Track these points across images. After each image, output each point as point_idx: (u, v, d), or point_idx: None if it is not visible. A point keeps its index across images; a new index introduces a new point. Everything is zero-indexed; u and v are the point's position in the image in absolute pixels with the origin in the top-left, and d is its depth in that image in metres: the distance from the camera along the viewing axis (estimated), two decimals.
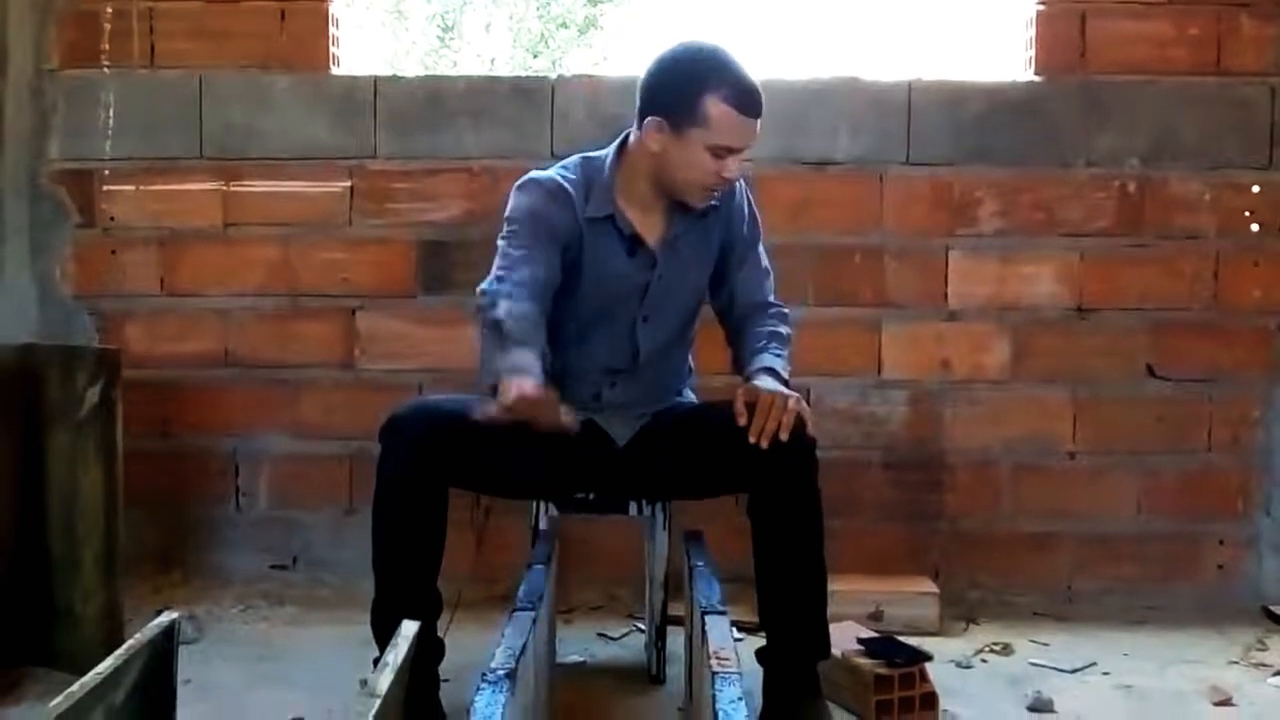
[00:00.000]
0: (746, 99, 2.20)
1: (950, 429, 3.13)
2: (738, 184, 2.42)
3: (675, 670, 2.56)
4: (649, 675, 2.59)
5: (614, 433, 2.41)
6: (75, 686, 1.40)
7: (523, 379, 2.04)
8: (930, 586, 2.96)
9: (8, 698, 2.38)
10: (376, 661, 2.14)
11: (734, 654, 1.58)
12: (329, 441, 3.17)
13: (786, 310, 2.50)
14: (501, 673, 1.45)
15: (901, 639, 2.49)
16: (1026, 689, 2.49)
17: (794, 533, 2.18)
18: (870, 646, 2.43)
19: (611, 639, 2.88)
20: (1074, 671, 2.64)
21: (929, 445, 3.13)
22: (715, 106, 2.19)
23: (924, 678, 2.36)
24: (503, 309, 2.17)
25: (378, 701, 1.34)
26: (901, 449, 3.13)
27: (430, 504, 2.19)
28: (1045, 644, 2.82)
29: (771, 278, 2.51)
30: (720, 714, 1.34)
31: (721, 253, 2.45)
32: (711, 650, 1.58)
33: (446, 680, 2.28)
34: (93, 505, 2.48)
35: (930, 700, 2.36)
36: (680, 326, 2.45)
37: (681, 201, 2.33)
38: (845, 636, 2.45)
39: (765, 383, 2.22)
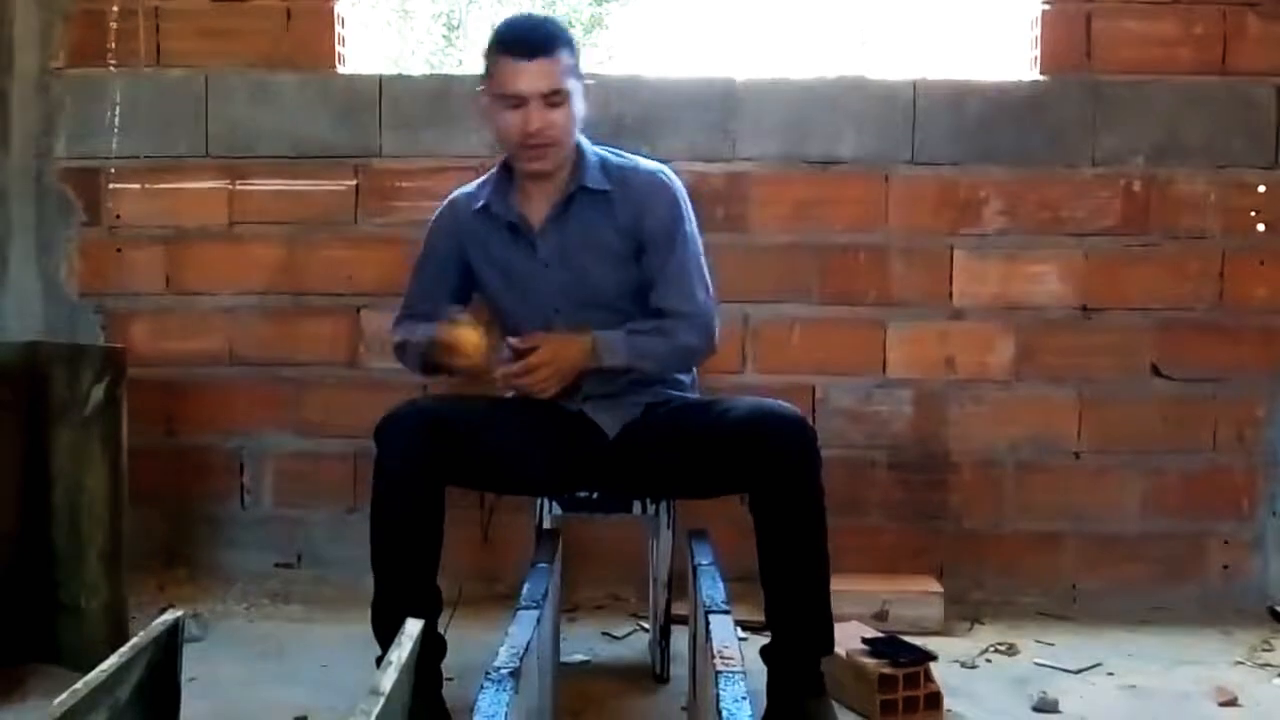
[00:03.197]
0: (513, 43, 2.28)
1: (955, 428, 3.12)
2: (658, 174, 2.42)
3: (679, 670, 2.56)
4: (653, 675, 2.59)
5: (603, 423, 2.40)
6: (79, 684, 1.40)
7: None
8: (935, 586, 2.96)
9: (13, 695, 2.39)
10: (380, 660, 2.15)
11: (738, 652, 1.58)
12: (333, 440, 3.17)
13: (707, 320, 2.38)
14: (505, 671, 1.45)
15: (906, 639, 2.49)
16: (1031, 689, 2.48)
17: (797, 529, 2.18)
18: (875, 646, 2.43)
19: (615, 638, 2.88)
20: (1079, 672, 2.64)
21: (933, 444, 3.12)
22: (493, 57, 2.30)
23: (929, 677, 2.36)
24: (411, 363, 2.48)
25: (381, 700, 1.34)
26: (906, 448, 3.13)
27: (427, 501, 2.20)
28: (1050, 644, 2.81)
29: (702, 285, 2.39)
30: (724, 713, 1.34)
31: (638, 248, 2.38)
32: (715, 649, 1.57)
33: (450, 679, 2.29)
34: (98, 502, 2.49)
35: (935, 700, 2.36)
36: (606, 322, 2.35)
37: (532, 173, 2.36)
38: (850, 636, 2.45)
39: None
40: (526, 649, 1.58)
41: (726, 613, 1.76)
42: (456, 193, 2.55)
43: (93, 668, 1.45)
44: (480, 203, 2.44)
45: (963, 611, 2.99)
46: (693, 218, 2.45)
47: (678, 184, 2.44)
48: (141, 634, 1.60)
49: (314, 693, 2.44)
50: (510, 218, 2.40)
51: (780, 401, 2.27)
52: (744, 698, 1.36)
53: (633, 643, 2.85)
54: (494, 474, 2.35)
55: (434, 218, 2.56)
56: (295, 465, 3.20)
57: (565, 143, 2.33)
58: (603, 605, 3.08)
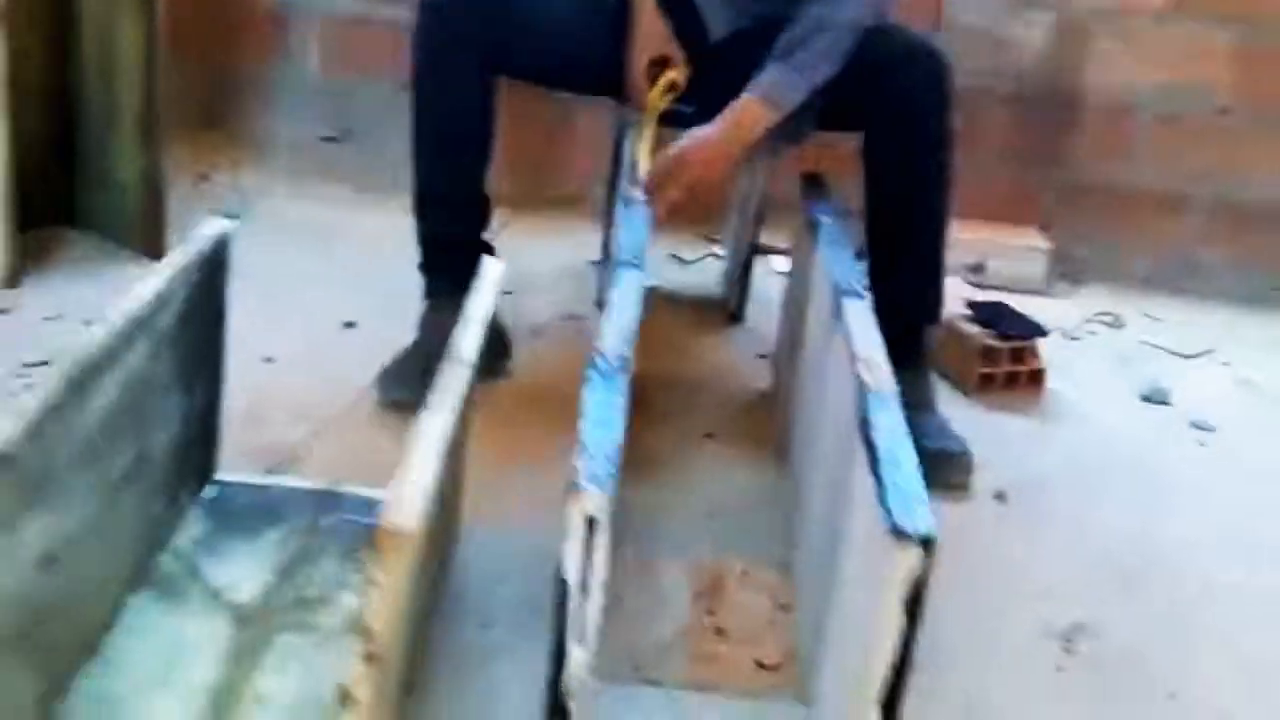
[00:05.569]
0: None
1: (1093, 64, 2.74)
2: None
3: (755, 310, 2.34)
4: (728, 313, 2.38)
5: (710, 20, 2.03)
6: (118, 314, 1.19)
7: None
8: (1040, 241, 2.70)
9: (40, 258, 2.19)
10: (423, 265, 1.94)
11: (886, 365, 1.32)
12: (388, 3, 2.79)
13: None
14: (617, 365, 1.20)
15: (1012, 307, 2.27)
16: (1138, 370, 2.29)
17: (914, 182, 1.90)
18: (980, 312, 2.21)
19: (685, 262, 2.65)
20: (1190, 357, 2.42)
21: (1065, 80, 2.75)
22: None
23: (1035, 354, 2.17)
24: None
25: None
26: (1034, 81, 2.75)
27: (471, 94, 1.92)
28: (1159, 319, 2.59)
29: None
30: (879, 449, 1.08)
31: None
32: (857, 352, 1.33)
33: (509, 293, 2.08)
34: (131, 58, 2.19)
35: (1037, 377, 2.18)
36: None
37: None
38: (951, 296, 2.22)
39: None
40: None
41: (862, 297, 1.50)
42: None
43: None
44: None
45: (1066, 268, 2.74)
46: None
47: None
48: (183, 248, 1.38)
49: (360, 297, 2.23)
50: None
51: (920, 33, 1.92)
52: (902, 430, 1.12)
53: (704, 269, 2.63)
54: (557, 67, 2.03)
55: None
56: (344, 30, 2.83)
57: None
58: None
